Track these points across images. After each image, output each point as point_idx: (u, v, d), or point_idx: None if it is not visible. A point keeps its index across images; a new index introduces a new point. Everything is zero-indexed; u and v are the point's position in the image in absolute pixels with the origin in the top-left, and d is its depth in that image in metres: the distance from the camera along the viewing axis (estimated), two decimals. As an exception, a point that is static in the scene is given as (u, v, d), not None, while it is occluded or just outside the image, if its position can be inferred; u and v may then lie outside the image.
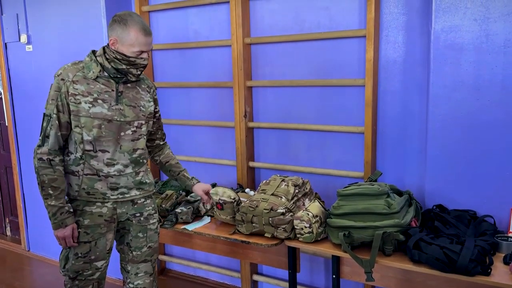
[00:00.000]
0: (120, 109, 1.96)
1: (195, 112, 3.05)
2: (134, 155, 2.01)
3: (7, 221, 4.17)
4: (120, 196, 2.01)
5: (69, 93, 1.90)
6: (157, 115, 2.18)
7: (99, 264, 2.05)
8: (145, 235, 2.10)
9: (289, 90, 2.70)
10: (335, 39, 2.48)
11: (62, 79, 1.92)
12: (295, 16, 2.59)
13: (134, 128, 2.01)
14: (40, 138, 1.96)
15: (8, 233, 4.19)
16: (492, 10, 2.00)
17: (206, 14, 2.89)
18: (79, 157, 1.95)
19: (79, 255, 2.00)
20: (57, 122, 1.92)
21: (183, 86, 3.06)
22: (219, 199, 2.31)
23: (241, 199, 2.37)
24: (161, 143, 2.28)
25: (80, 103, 1.91)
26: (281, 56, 2.68)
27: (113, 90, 1.96)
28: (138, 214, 2.08)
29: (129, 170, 2.01)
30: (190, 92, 3.06)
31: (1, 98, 3.85)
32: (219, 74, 2.90)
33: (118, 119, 1.95)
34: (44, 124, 1.95)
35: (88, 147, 1.93)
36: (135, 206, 2.07)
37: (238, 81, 2.77)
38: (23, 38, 3.45)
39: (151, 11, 3.09)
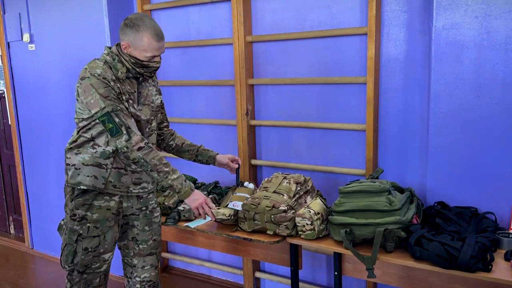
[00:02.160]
0: (140, 109, 2.03)
1: (197, 110, 3.06)
2: None
3: (11, 219, 4.20)
4: (141, 191, 2.09)
5: (118, 92, 1.92)
6: (161, 104, 2.25)
7: (106, 256, 2.09)
8: (150, 228, 2.17)
9: (290, 88, 2.71)
10: (336, 37, 2.49)
11: (105, 78, 1.89)
12: (296, 14, 2.60)
13: (149, 125, 2.08)
14: (124, 132, 1.87)
15: (12, 231, 4.22)
16: (493, 7, 2.01)
17: (208, 12, 2.90)
18: (111, 151, 1.96)
19: (89, 249, 2.03)
20: (125, 113, 1.90)
21: (185, 84, 3.08)
22: (216, 219, 2.27)
23: (235, 193, 2.40)
24: (170, 129, 2.36)
25: (123, 101, 1.96)
26: (283, 54, 2.68)
27: (135, 92, 2.01)
28: (144, 208, 2.15)
29: None
30: (191, 90, 3.07)
31: (4, 97, 3.87)
32: (221, 72, 2.91)
33: (143, 118, 2.03)
34: (117, 120, 1.87)
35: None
36: (141, 200, 2.14)
37: (239, 79, 2.78)
38: (26, 37, 3.46)
39: (152, 9, 3.10)
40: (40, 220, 3.81)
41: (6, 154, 4.06)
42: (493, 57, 2.03)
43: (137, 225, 2.14)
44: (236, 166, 2.43)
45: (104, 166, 1.98)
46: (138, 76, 2.01)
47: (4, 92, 3.86)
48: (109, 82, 1.89)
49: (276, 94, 2.77)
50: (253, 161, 2.88)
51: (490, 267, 1.78)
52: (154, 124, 2.11)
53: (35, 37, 3.45)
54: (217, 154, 2.40)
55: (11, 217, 4.19)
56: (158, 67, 2.02)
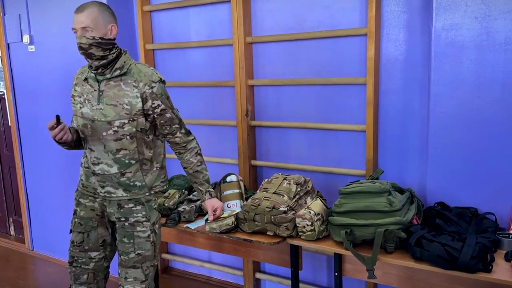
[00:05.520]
0: (101, 108, 1.95)
1: (197, 111, 3.06)
2: (118, 156, 1.98)
3: (11, 220, 4.19)
4: (107, 195, 2.05)
5: (72, 95, 2.06)
6: (157, 110, 1.99)
7: (92, 254, 2.12)
8: (131, 241, 2.03)
9: (290, 89, 2.71)
10: (336, 37, 2.49)
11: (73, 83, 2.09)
12: (296, 15, 2.60)
13: (116, 128, 1.94)
14: None
15: (12, 232, 4.21)
16: (493, 8, 2.01)
17: (208, 13, 2.90)
18: (85, 151, 2.09)
19: (75, 243, 2.12)
20: (72, 120, 2.13)
21: (184, 85, 3.07)
22: (221, 230, 2.26)
23: (223, 192, 2.42)
24: (177, 140, 2.10)
25: (77, 104, 2.03)
26: (282, 55, 2.68)
27: (95, 90, 1.98)
28: (123, 219, 2.04)
29: (114, 170, 2.00)
30: (191, 91, 3.07)
31: (4, 98, 3.87)
32: (221, 73, 2.91)
33: (98, 119, 1.96)
34: None
35: (83, 144, 2.06)
36: (121, 210, 2.04)
37: (239, 80, 2.78)
38: (26, 38, 3.46)
39: (152, 10, 3.10)
40: (40, 221, 3.81)
41: (6, 155, 4.05)
42: (492, 57, 2.03)
43: (117, 235, 2.09)
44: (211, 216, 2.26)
45: (82, 164, 2.12)
46: (94, 71, 1.96)
47: (4, 93, 3.86)
48: (72, 87, 2.07)
49: (276, 95, 2.77)
50: (253, 162, 2.88)
51: (490, 267, 1.78)
52: (127, 128, 1.94)
53: (35, 39, 3.45)
54: (208, 199, 2.21)
55: (11, 218, 4.19)
56: (81, 45, 1.87)
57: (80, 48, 1.89)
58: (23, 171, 3.81)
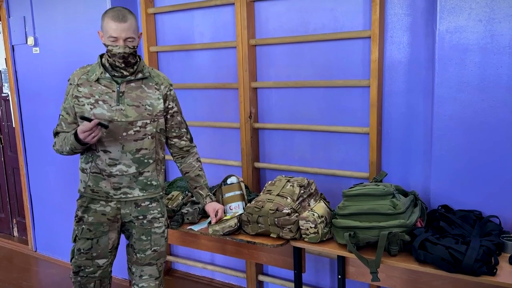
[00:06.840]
0: (121, 109, 1.97)
1: (200, 113, 3.07)
2: (137, 155, 2.01)
3: (14, 221, 4.20)
4: (123, 196, 2.04)
5: (73, 96, 2.01)
6: (171, 111, 2.12)
7: (100, 262, 2.09)
8: (149, 238, 2.09)
9: (294, 91, 2.71)
10: (340, 40, 2.49)
11: (70, 84, 2.04)
12: (299, 17, 2.60)
13: (138, 128, 2.00)
14: (53, 134, 2.13)
15: (16, 233, 4.22)
16: (497, 10, 2.01)
17: (211, 16, 2.91)
18: (89, 155, 2.03)
19: (82, 251, 2.07)
20: (62, 122, 2.07)
21: (188, 87, 3.08)
22: (224, 232, 2.26)
23: (224, 195, 2.42)
24: (182, 144, 2.21)
25: (83, 105, 1.98)
26: (286, 57, 2.69)
27: (113, 91, 1.98)
28: (141, 217, 2.08)
29: (132, 170, 2.02)
30: (195, 93, 3.08)
31: (8, 100, 3.89)
32: (224, 75, 2.91)
33: (119, 120, 1.97)
34: (58, 123, 2.10)
35: (93, 146, 2.00)
36: (139, 208, 2.08)
37: (243, 82, 2.78)
38: (30, 40, 3.48)
39: (156, 13, 3.11)
40: (44, 222, 3.81)
41: (10, 156, 4.07)
42: (497, 60, 2.03)
43: (134, 234, 2.10)
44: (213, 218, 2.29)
45: (85, 170, 2.07)
46: (116, 74, 1.98)
47: (8, 95, 3.87)
48: (71, 87, 2.02)
49: (279, 97, 2.77)
50: (257, 164, 2.88)
51: (494, 270, 1.77)
52: (149, 128, 2.02)
53: (39, 40, 3.47)
54: (209, 202, 2.28)
55: (14, 219, 4.20)
56: (122, 54, 1.91)
57: (123, 57, 1.93)
58: (26, 172, 3.82)
